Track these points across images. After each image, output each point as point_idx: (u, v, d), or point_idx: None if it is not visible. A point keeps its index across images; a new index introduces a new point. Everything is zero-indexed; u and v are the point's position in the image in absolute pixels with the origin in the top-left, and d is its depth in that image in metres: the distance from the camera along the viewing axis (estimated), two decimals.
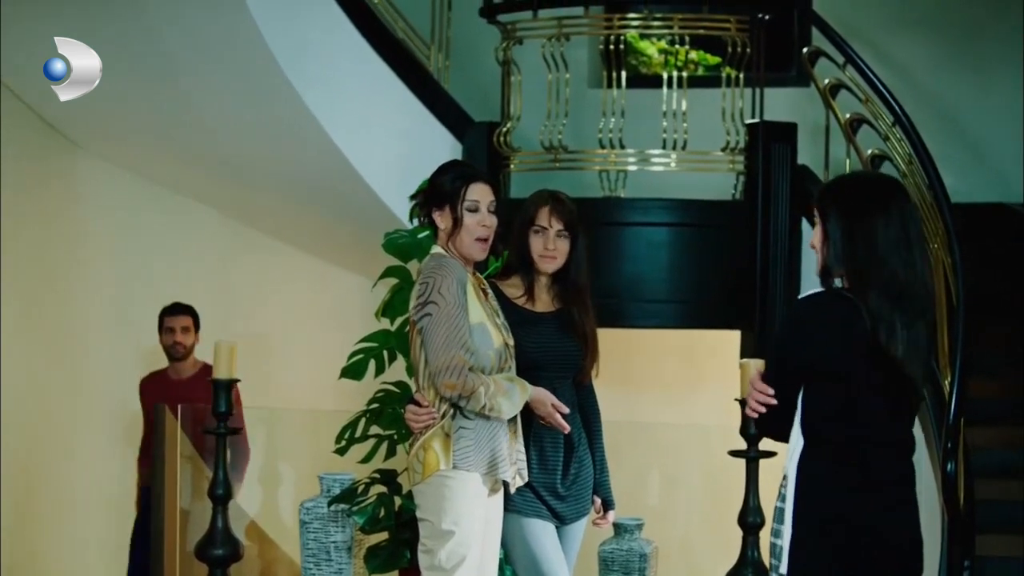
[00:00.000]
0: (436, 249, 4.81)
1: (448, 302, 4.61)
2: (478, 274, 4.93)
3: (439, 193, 4.77)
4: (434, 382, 4.66)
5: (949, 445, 5.92)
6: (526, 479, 4.88)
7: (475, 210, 4.75)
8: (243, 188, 8.40)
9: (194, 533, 7.19)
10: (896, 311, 3.85)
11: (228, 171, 8.24)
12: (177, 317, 7.92)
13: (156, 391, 7.77)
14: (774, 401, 3.98)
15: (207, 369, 7.57)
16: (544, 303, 5.07)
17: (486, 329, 4.73)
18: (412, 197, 5.02)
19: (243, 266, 8.95)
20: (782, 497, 3.99)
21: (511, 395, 4.69)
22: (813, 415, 3.94)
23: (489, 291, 4.92)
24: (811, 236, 4.08)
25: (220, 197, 8.66)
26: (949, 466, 5.89)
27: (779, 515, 3.98)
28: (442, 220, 4.77)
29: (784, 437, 4.03)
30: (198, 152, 8.13)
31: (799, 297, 4.00)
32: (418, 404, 4.73)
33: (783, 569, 3.94)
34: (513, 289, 5.05)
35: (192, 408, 7.28)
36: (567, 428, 4.84)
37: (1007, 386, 7.11)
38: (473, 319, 4.70)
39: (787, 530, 3.94)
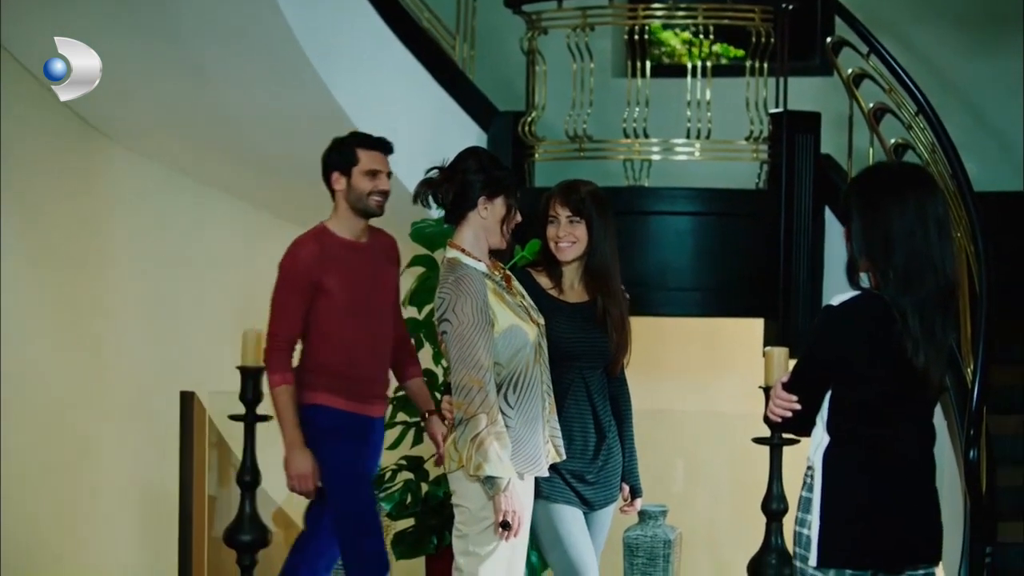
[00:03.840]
0: (452, 252, 4.80)
1: (461, 323, 4.64)
2: (498, 264, 4.94)
3: (498, 183, 4.78)
4: None
5: (971, 433, 5.94)
6: (563, 455, 4.92)
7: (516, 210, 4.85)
8: (268, 177, 8.43)
9: (221, 519, 7.27)
10: (912, 302, 3.87)
11: (253, 160, 8.27)
12: (385, 157, 5.72)
13: (332, 260, 5.63)
14: (798, 406, 4.03)
15: (381, 236, 5.82)
16: (576, 293, 5.11)
17: (519, 329, 4.76)
18: (425, 184, 4.84)
19: (269, 255, 8.96)
20: (808, 487, 4.03)
21: (502, 453, 4.61)
22: (838, 414, 3.98)
23: (513, 278, 4.95)
24: (834, 225, 4.12)
25: (246, 186, 8.69)
26: (971, 454, 5.91)
27: (806, 505, 4.02)
28: (490, 212, 4.79)
29: (807, 433, 4.08)
30: (224, 142, 8.17)
31: (830, 304, 3.99)
32: None
33: (812, 560, 3.97)
34: (545, 279, 5.10)
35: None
36: (514, 531, 4.68)
37: None
38: (503, 324, 4.72)
39: (815, 520, 3.98)
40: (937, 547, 4.08)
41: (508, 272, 4.95)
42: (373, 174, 5.60)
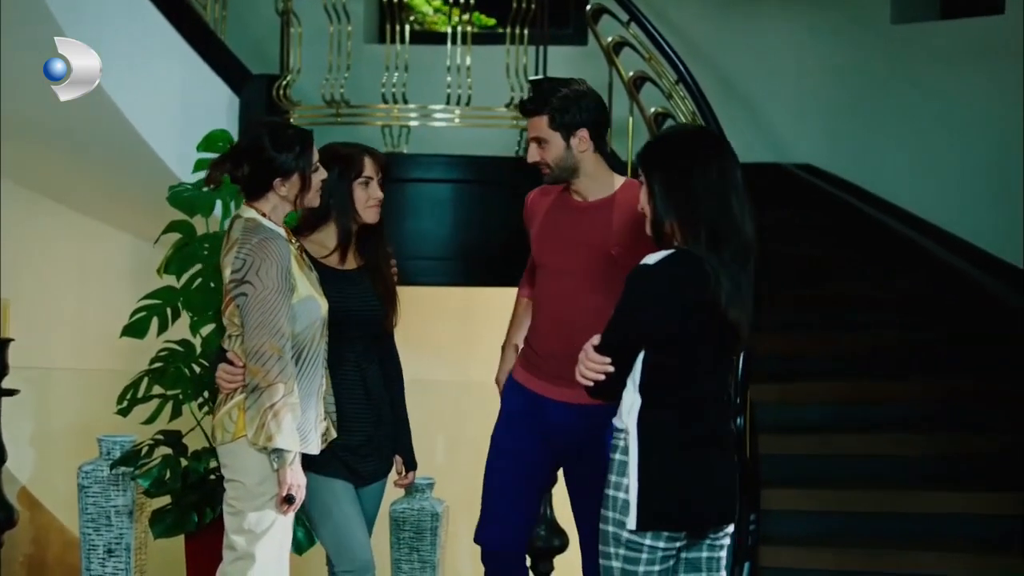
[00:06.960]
0: (249, 213, 4.60)
1: (265, 287, 4.45)
2: (290, 231, 4.74)
3: (283, 167, 4.56)
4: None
5: (738, 401, 5.99)
6: (335, 434, 4.79)
7: (317, 170, 4.65)
8: (10, 142, 8.07)
9: None
10: (720, 259, 3.91)
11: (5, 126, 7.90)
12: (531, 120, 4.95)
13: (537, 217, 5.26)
14: (612, 370, 3.97)
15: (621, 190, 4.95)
16: (351, 259, 4.96)
17: (313, 300, 4.62)
18: (217, 166, 4.65)
19: (13, 224, 8.61)
20: (623, 450, 3.99)
21: (293, 425, 4.45)
22: (652, 376, 3.97)
23: (304, 248, 4.80)
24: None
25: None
26: (738, 421, 5.96)
27: (621, 468, 3.98)
28: (288, 188, 4.58)
29: (616, 396, 4.03)
30: None
31: (644, 263, 3.95)
32: (231, 363, 4.57)
33: (631, 523, 3.93)
34: (318, 247, 4.90)
35: None
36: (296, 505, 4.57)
37: (788, 344, 7.25)
38: (302, 293, 4.57)
39: (632, 483, 3.94)
40: (737, 507, 4.16)
41: (301, 243, 4.79)
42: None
